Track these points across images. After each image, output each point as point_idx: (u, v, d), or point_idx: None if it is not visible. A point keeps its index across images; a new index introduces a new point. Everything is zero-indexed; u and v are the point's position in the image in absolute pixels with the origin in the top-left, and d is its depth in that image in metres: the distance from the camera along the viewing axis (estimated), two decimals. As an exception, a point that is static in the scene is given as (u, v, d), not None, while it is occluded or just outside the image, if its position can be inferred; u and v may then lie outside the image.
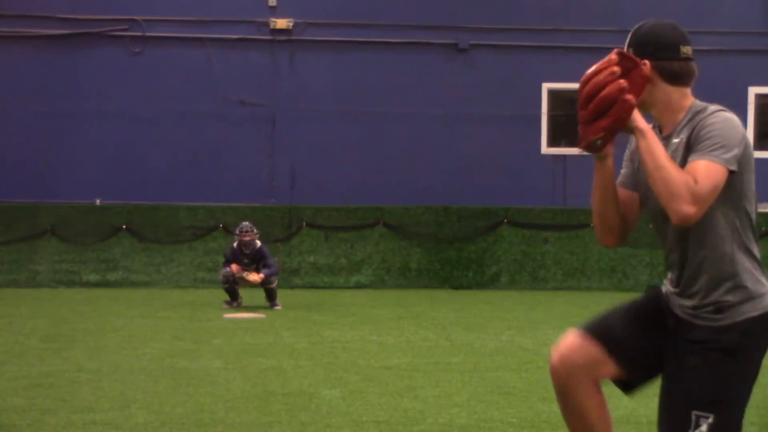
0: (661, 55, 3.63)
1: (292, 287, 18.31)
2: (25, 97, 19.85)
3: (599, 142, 3.53)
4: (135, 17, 20.13)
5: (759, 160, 21.12)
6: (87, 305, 15.30)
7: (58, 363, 9.52)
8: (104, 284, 18.53)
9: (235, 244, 15.09)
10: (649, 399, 7.98)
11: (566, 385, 3.95)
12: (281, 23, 20.34)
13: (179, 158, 20.08)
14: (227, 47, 20.28)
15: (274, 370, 9.25)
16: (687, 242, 3.68)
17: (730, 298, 3.65)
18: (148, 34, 20.19)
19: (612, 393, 8.20)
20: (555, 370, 3.96)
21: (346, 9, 20.65)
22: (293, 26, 20.40)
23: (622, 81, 3.43)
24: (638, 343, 3.91)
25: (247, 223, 15.37)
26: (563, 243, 19.43)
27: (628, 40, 3.73)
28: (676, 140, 3.66)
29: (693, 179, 3.42)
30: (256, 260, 14.90)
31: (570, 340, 3.96)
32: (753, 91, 20.77)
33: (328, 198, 19.77)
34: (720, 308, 3.66)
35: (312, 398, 7.92)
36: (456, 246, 19.37)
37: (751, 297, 3.64)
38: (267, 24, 20.40)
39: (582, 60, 22.35)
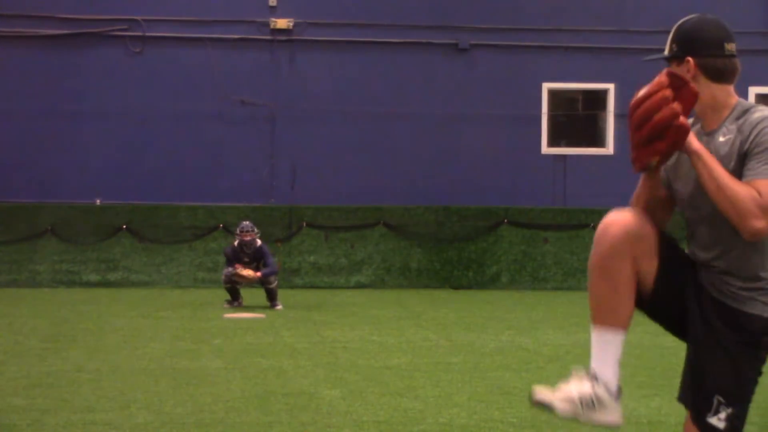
0: (705, 52, 3.58)
1: (292, 287, 18.30)
2: (25, 97, 19.84)
3: (654, 164, 3.62)
4: (135, 17, 20.12)
5: (759, 160, 20.72)
6: (87, 305, 15.30)
7: (58, 363, 9.52)
8: (104, 284, 18.52)
9: (236, 243, 15.17)
10: (649, 399, 7.98)
11: (616, 246, 3.59)
12: (281, 23, 20.33)
13: (179, 158, 20.06)
14: (227, 47, 20.27)
15: (274, 370, 9.25)
16: (725, 238, 3.61)
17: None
18: (148, 34, 20.18)
19: (612, 393, 8.20)
20: (615, 226, 3.61)
21: (346, 9, 20.63)
22: (293, 26, 20.40)
23: (675, 105, 3.43)
24: (677, 279, 3.71)
25: (247, 222, 15.44)
26: (563, 243, 19.42)
27: (671, 36, 3.67)
28: (722, 139, 3.61)
29: (757, 192, 3.40)
30: (256, 259, 15.02)
31: (637, 212, 3.69)
32: (753, 91, 20.74)
33: (328, 198, 19.76)
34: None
35: (312, 398, 7.91)
36: (456, 246, 19.36)
37: None
38: (267, 24, 20.39)
39: (582, 60, 22.39)
